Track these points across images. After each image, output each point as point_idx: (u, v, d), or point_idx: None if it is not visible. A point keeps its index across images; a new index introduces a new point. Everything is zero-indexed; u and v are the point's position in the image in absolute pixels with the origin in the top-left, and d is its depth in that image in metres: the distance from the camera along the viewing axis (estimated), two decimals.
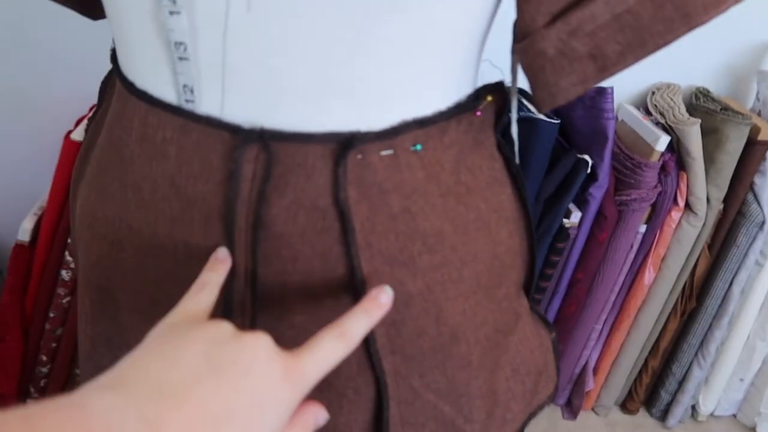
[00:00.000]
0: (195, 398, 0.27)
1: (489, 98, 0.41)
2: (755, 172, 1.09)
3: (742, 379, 1.32)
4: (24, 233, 0.99)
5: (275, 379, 0.30)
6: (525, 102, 1.06)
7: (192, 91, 0.36)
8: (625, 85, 1.17)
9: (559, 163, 1.06)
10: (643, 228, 1.14)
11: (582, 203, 1.10)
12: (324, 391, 0.39)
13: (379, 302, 0.35)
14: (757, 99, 1.13)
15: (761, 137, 1.05)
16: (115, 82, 0.42)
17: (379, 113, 0.36)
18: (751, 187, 1.11)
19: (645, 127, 1.08)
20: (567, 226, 1.10)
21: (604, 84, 1.03)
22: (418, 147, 0.38)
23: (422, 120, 0.37)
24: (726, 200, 1.11)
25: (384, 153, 0.37)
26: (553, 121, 1.01)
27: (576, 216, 1.10)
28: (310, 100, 0.35)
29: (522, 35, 0.36)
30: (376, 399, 0.42)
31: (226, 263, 0.37)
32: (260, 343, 0.30)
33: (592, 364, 1.31)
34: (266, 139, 0.35)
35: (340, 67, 0.34)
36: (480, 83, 0.42)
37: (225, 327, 0.31)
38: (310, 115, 0.35)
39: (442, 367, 0.42)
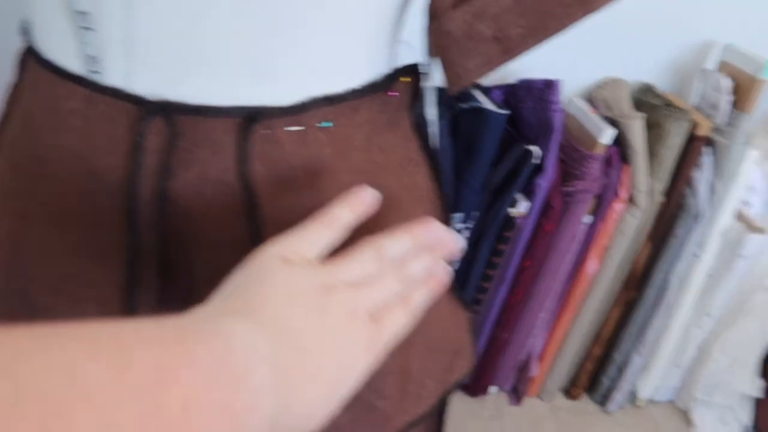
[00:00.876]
0: (316, 354, 0.28)
1: (404, 79, 0.42)
2: (694, 166, 1.13)
3: (678, 366, 1.37)
4: None
5: (362, 345, 0.31)
6: (475, 92, 1.07)
7: (97, 62, 0.35)
8: (575, 79, 1.19)
9: (508, 153, 1.08)
10: (587, 219, 1.17)
11: (529, 193, 1.12)
12: None
13: (441, 280, 0.36)
14: (699, 96, 1.17)
15: (700, 133, 1.09)
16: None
17: (287, 89, 0.36)
18: (690, 181, 1.15)
19: (591, 120, 1.10)
20: (514, 215, 1.12)
21: (553, 77, 1.05)
22: (328, 124, 0.38)
23: (332, 97, 0.38)
24: (666, 193, 1.15)
25: (292, 129, 0.37)
26: (502, 111, 1.02)
27: (523, 206, 1.12)
28: (217, 74, 0.35)
29: (432, 16, 0.37)
30: None
31: (371, 205, 0.36)
32: (351, 305, 0.31)
33: (537, 352, 1.34)
34: (171, 111, 0.35)
35: (247, 43, 0.34)
36: (399, 64, 0.43)
37: (337, 275, 0.31)
38: (216, 89, 0.35)
39: None
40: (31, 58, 0.40)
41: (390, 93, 0.41)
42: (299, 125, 0.37)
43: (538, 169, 1.09)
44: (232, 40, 0.34)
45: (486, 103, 1.04)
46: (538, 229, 1.15)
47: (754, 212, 1.19)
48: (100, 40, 0.34)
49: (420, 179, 0.44)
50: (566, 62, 1.17)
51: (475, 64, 0.37)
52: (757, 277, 1.22)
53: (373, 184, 0.41)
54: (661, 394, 1.43)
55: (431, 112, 0.47)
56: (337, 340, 0.30)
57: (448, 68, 0.38)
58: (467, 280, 1.17)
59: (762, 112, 1.24)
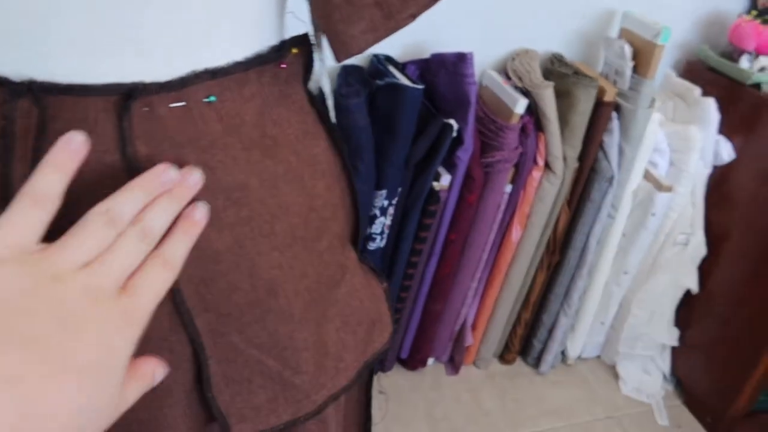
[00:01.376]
0: (55, 350, 0.26)
1: (294, 51, 0.41)
2: (604, 131, 1.18)
3: (602, 323, 1.44)
4: None
5: (116, 323, 0.29)
6: (391, 68, 1.08)
7: None
8: (488, 51, 1.22)
9: (427, 128, 1.09)
10: (509, 188, 1.20)
11: (450, 167, 1.14)
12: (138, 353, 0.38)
13: (194, 220, 0.35)
14: (605, 63, 1.22)
15: (607, 98, 1.14)
16: None
17: (165, 63, 0.35)
18: (601, 146, 1.20)
19: (505, 91, 1.13)
20: (437, 189, 1.14)
21: (466, 50, 1.07)
22: (212, 98, 0.37)
23: (214, 70, 0.37)
24: (580, 158, 1.19)
25: (174, 105, 0.36)
26: (417, 86, 1.03)
27: (446, 179, 1.14)
28: (85, 50, 0.33)
29: None
30: (194, 359, 0.41)
31: (79, 154, 0.32)
32: (92, 286, 0.29)
33: (470, 321, 1.38)
34: (38, 92, 0.33)
35: (116, 14, 0.32)
36: (288, 36, 0.42)
37: (66, 256, 0.29)
38: (86, 66, 0.34)
39: (262, 321, 0.42)
40: None
41: (280, 65, 0.40)
42: (182, 101, 0.36)
43: (457, 141, 1.11)
44: (96, 11, 0.32)
45: (401, 79, 1.04)
46: (462, 201, 1.18)
47: (660, 172, 1.25)
48: None
49: (319, 152, 0.44)
50: (478, 35, 1.19)
51: (359, 30, 0.37)
52: (666, 233, 1.30)
53: (271, 159, 0.40)
54: (589, 351, 1.50)
55: (325, 83, 0.46)
56: (81, 327, 0.28)
57: (333, 37, 0.37)
58: (397, 255, 1.19)
59: (663, 76, 1.31)
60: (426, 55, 1.14)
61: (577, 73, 1.15)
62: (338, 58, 0.38)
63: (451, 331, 1.38)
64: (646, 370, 1.47)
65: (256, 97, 0.39)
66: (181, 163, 0.36)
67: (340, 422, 0.52)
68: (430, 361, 1.43)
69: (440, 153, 1.10)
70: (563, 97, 1.14)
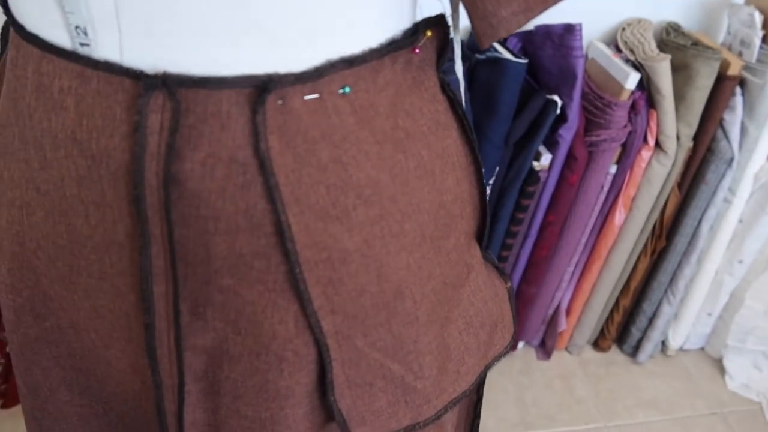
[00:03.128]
0: None
1: (429, 34, 0.38)
2: (725, 108, 1.08)
3: (709, 314, 1.35)
4: None
5: None
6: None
7: (86, 33, 0.32)
8: (596, 22, 1.14)
9: (528, 104, 1.04)
10: (613, 168, 1.13)
11: (552, 145, 1.08)
12: (261, 356, 0.38)
13: None
14: (728, 33, 1.11)
15: (731, 72, 1.04)
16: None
17: (299, 52, 0.33)
18: (721, 124, 1.10)
19: (615, 64, 1.05)
20: (537, 169, 1.09)
21: (573, 21, 1.00)
22: (347, 89, 0.35)
23: (350, 59, 0.34)
24: (695, 137, 1.10)
25: (308, 97, 0.34)
26: (520, 60, 0.98)
27: (546, 158, 1.09)
28: (218, 40, 0.31)
29: None
30: (318, 361, 0.40)
31: None
32: None
33: (564, 305, 1.33)
34: (172, 85, 0.32)
35: (250, 1, 0.31)
36: (421, 18, 0.39)
37: None
38: (219, 56, 0.32)
39: (387, 324, 0.40)
40: (14, 32, 0.37)
41: (414, 50, 0.38)
42: (316, 92, 0.34)
43: (561, 119, 1.05)
44: (234, 1, 0.30)
45: (503, 53, 0.99)
46: (562, 182, 1.12)
47: None
48: (85, 8, 0.31)
49: (451, 144, 0.41)
50: (585, 4, 1.11)
51: (510, 11, 0.33)
52: None
53: (402, 153, 0.38)
54: (692, 342, 1.41)
55: (459, 68, 0.43)
56: None
57: (479, 18, 0.34)
58: (491, 237, 1.15)
59: None
60: (529, 26, 1.08)
61: (696, 44, 1.05)
62: (483, 43, 0.35)
63: (545, 315, 1.33)
64: (757, 366, 1.37)
65: (389, 86, 0.37)
66: (313, 160, 0.35)
67: (454, 423, 0.50)
68: (521, 344, 1.40)
69: (542, 131, 1.05)
70: (680, 70, 1.05)
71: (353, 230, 0.37)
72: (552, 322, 1.35)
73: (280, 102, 0.33)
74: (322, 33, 0.33)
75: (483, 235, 0.48)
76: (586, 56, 1.14)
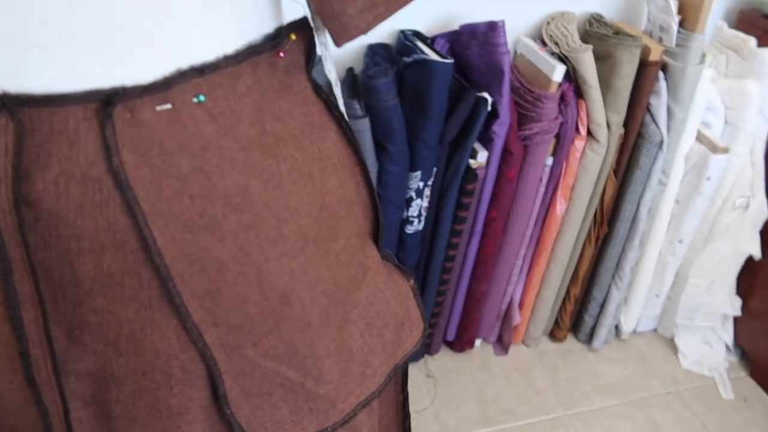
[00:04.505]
0: None
1: (293, 37, 0.38)
2: (650, 93, 1.11)
3: (657, 295, 1.38)
4: None
5: None
6: (418, 44, 1.03)
7: None
8: (521, 17, 1.15)
9: (460, 103, 1.05)
10: (549, 160, 1.15)
11: (487, 142, 1.09)
12: (147, 374, 0.37)
13: None
14: (648, 20, 1.14)
15: (652, 58, 1.06)
16: None
17: (146, 64, 0.32)
18: (648, 109, 1.12)
19: (542, 58, 1.07)
20: (474, 166, 1.10)
21: (497, 18, 1.01)
22: (202, 98, 0.34)
23: (201, 67, 0.34)
24: (625, 124, 1.13)
25: (159, 108, 0.33)
26: (447, 61, 0.98)
27: (482, 156, 1.09)
28: (58, 56, 0.31)
29: None
30: (208, 374, 0.40)
31: None
32: None
33: (517, 299, 1.34)
34: (12, 105, 0.31)
35: (86, 15, 0.30)
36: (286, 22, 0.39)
37: None
38: (61, 73, 0.31)
39: (277, 331, 0.40)
40: None
41: (277, 54, 0.37)
42: (168, 103, 0.33)
43: (493, 115, 1.06)
44: (69, 16, 0.30)
45: (430, 54, 1.00)
46: (501, 177, 1.13)
47: (714, 132, 1.17)
48: None
49: (329, 146, 0.41)
50: (509, 2, 1.13)
51: (356, 9, 0.33)
52: (724, 197, 1.22)
53: (272, 158, 0.37)
54: (644, 324, 1.44)
55: (331, 69, 0.43)
56: None
57: (329, 19, 0.34)
58: (436, 237, 1.15)
59: (712, 29, 1.22)
60: (455, 26, 1.09)
61: (618, 33, 1.08)
62: (337, 43, 0.35)
63: (498, 311, 1.34)
64: (707, 342, 1.40)
65: (251, 92, 0.36)
66: (172, 171, 0.34)
67: (375, 426, 0.50)
68: (478, 342, 1.40)
69: (475, 129, 1.05)
70: (604, 59, 1.07)
71: (225, 239, 0.36)
72: (506, 316, 1.36)
73: (129, 115, 0.33)
74: (168, 42, 0.33)
75: (378, 235, 0.47)
76: (515, 52, 1.15)
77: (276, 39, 0.37)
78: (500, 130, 1.07)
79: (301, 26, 0.39)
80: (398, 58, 1.03)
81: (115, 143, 0.32)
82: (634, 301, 1.36)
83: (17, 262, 0.34)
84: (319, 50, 0.40)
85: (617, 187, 1.21)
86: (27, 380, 0.37)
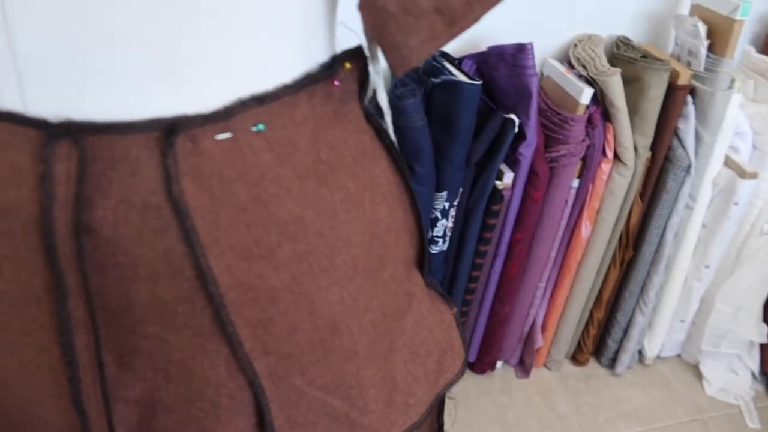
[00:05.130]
0: None
1: (347, 66, 0.38)
2: (678, 117, 1.10)
3: (683, 321, 1.36)
4: None
5: None
6: (446, 64, 1.04)
7: None
8: (548, 40, 1.16)
9: (487, 124, 1.05)
10: (575, 183, 1.14)
11: (513, 163, 1.09)
12: (195, 402, 0.37)
13: None
14: (676, 44, 1.14)
15: (681, 82, 1.06)
16: None
17: (207, 93, 0.32)
18: (676, 133, 1.12)
19: (569, 80, 1.07)
20: (500, 187, 1.09)
21: (525, 40, 1.02)
22: (261, 127, 0.34)
23: (262, 96, 0.34)
24: (653, 147, 1.12)
25: (220, 137, 0.33)
26: (475, 82, 0.99)
27: (508, 177, 1.09)
28: (122, 84, 0.31)
29: None
30: (255, 403, 0.39)
31: None
32: None
33: (539, 322, 1.32)
34: (76, 132, 0.31)
35: (151, 43, 0.30)
36: (340, 50, 0.39)
37: None
38: (124, 100, 0.31)
39: (325, 361, 0.39)
40: None
41: (332, 83, 0.37)
42: (228, 132, 0.33)
43: (520, 137, 1.06)
44: (134, 44, 0.30)
45: (458, 75, 1.00)
46: (527, 199, 1.13)
47: (743, 157, 1.16)
48: None
49: (379, 173, 0.41)
50: (536, 24, 1.13)
51: (418, 40, 0.33)
52: (752, 222, 1.20)
53: (327, 187, 0.37)
54: (668, 349, 1.42)
55: (383, 97, 0.43)
56: None
57: (390, 49, 0.34)
58: (460, 258, 1.15)
59: (739, 53, 1.21)
60: (482, 48, 1.09)
61: (645, 56, 1.08)
62: (396, 72, 0.35)
63: (520, 333, 1.33)
64: (733, 369, 1.37)
65: (308, 121, 0.36)
66: (231, 199, 0.34)
67: None
68: (499, 364, 1.39)
69: (502, 150, 1.05)
70: (632, 83, 1.07)
71: (279, 268, 0.36)
72: (528, 339, 1.34)
73: (190, 144, 0.33)
74: (230, 73, 0.33)
75: (423, 262, 0.47)
76: (542, 74, 1.16)
77: (331, 68, 0.38)
78: (527, 151, 1.07)
79: (355, 55, 0.39)
80: (426, 79, 1.04)
81: (175, 172, 0.33)
82: (659, 326, 1.35)
83: (73, 288, 0.34)
84: (373, 79, 0.40)
85: (643, 211, 1.20)
86: (75, 406, 0.37)
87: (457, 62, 1.07)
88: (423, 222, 0.45)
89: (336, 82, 0.37)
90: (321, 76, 0.37)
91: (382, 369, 0.42)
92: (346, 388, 0.41)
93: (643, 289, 1.28)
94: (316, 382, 0.40)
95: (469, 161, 1.06)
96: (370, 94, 0.41)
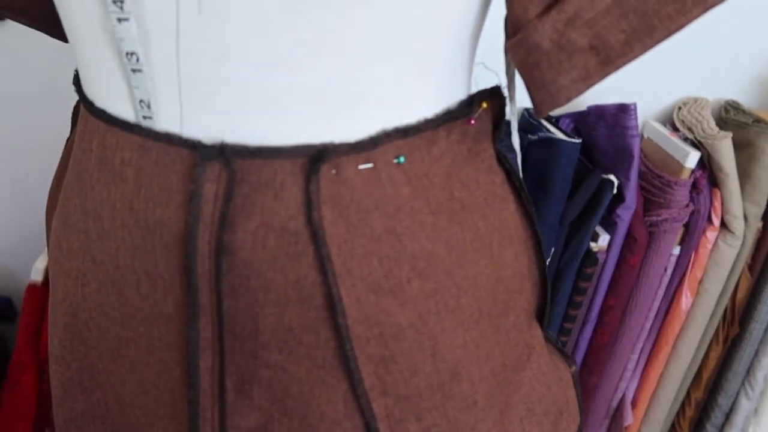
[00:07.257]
0: None
1: (484, 105, 0.38)
2: None
3: None
4: (36, 273, 0.98)
5: None
6: (543, 122, 1.03)
7: (149, 107, 0.33)
8: (650, 101, 1.13)
9: (583, 184, 1.02)
10: (677, 250, 1.08)
11: (610, 226, 1.05)
12: None
13: None
14: None
15: None
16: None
17: (354, 122, 0.33)
18: None
19: (673, 143, 1.03)
20: (595, 250, 1.05)
21: (625, 101, 0.99)
22: (402, 159, 0.34)
23: (405, 129, 0.34)
24: (765, 217, 1.05)
25: (362, 167, 0.33)
26: (574, 140, 0.97)
27: (604, 239, 1.05)
28: (277, 110, 0.32)
29: (514, 29, 0.33)
30: None
31: None
32: None
33: (630, 397, 1.23)
34: (228, 155, 0.32)
35: (304, 72, 0.31)
36: (476, 89, 0.39)
37: None
38: (277, 126, 0.32)
39: (443, 408, 0.37)
40: (83, 109, 0.39)
41: (469, 121, 0.37)
42: (370, 162, 0.34)
43: (617, 199, 1.02)
44: (293, 73, 0.31)
45: (556, 133, 0.99)
46: (623, 264, 1.07)
47: None
48: (150, 82, 0.32)
49: (508, 216, 0.40)
50: (638, 85, 1.11)
51: (570, 79, 0.32)
52: None
53: (458, 225, 0.37)
54: None
55: (516, 139, 0.42)
56: None
57: (537, 87, 0.33)
58: (548, 321, 1.10)
59: None
60: (582, 107, 1.08)
61: (758, 121, 1.02)
62: (541, 112, 0.34)
63: (608, 407, 1.24)
64: None
65: (445, 156, 0.36)
66: (366, 230, 0.34)
67: None
68: None
69: (598, 211, 1.02)
70: (743, 148, 1.01)
71: (407, 304, 0.35)
72: (616, 415, 1.25)
73: (334, 171, 0.33)
74: (376, 104, 0.33)
75: (544, 314, 0.45)
76: (642, 135, 1.12)
77: (469, 106, 0.38)
78: (625, 214, 1.03)
79: (491, 95, 0.39)
80: (522, 135, 1.03)
81: (317, 198, 0.33)
82: (767, 414, 1.22)
83: (205, 309, 0.35)
84: (511, 120, 0.39)
85: (752, 285, 1.11)
86: (190, 430, 0.37)
87: (555, 120, 1.06)
88: (546, 271, 0.43)
89: (472, 121, 0.37)
90: (459, 113, 0.37)
91: (498, 424, 0.40)
92: None
93: (750, 370, 1.17)
94: (431, 430, 0.38)
95: (563, 221, 1.03)
96: (513, 136, 0.41)
